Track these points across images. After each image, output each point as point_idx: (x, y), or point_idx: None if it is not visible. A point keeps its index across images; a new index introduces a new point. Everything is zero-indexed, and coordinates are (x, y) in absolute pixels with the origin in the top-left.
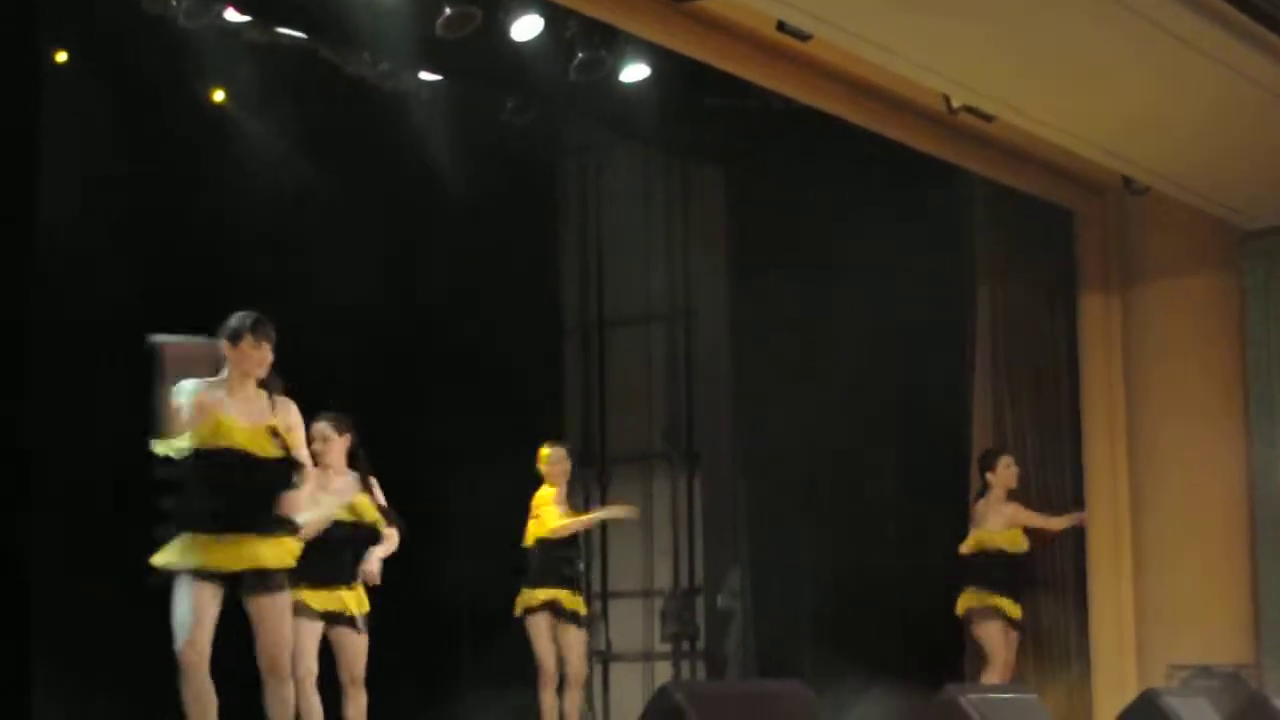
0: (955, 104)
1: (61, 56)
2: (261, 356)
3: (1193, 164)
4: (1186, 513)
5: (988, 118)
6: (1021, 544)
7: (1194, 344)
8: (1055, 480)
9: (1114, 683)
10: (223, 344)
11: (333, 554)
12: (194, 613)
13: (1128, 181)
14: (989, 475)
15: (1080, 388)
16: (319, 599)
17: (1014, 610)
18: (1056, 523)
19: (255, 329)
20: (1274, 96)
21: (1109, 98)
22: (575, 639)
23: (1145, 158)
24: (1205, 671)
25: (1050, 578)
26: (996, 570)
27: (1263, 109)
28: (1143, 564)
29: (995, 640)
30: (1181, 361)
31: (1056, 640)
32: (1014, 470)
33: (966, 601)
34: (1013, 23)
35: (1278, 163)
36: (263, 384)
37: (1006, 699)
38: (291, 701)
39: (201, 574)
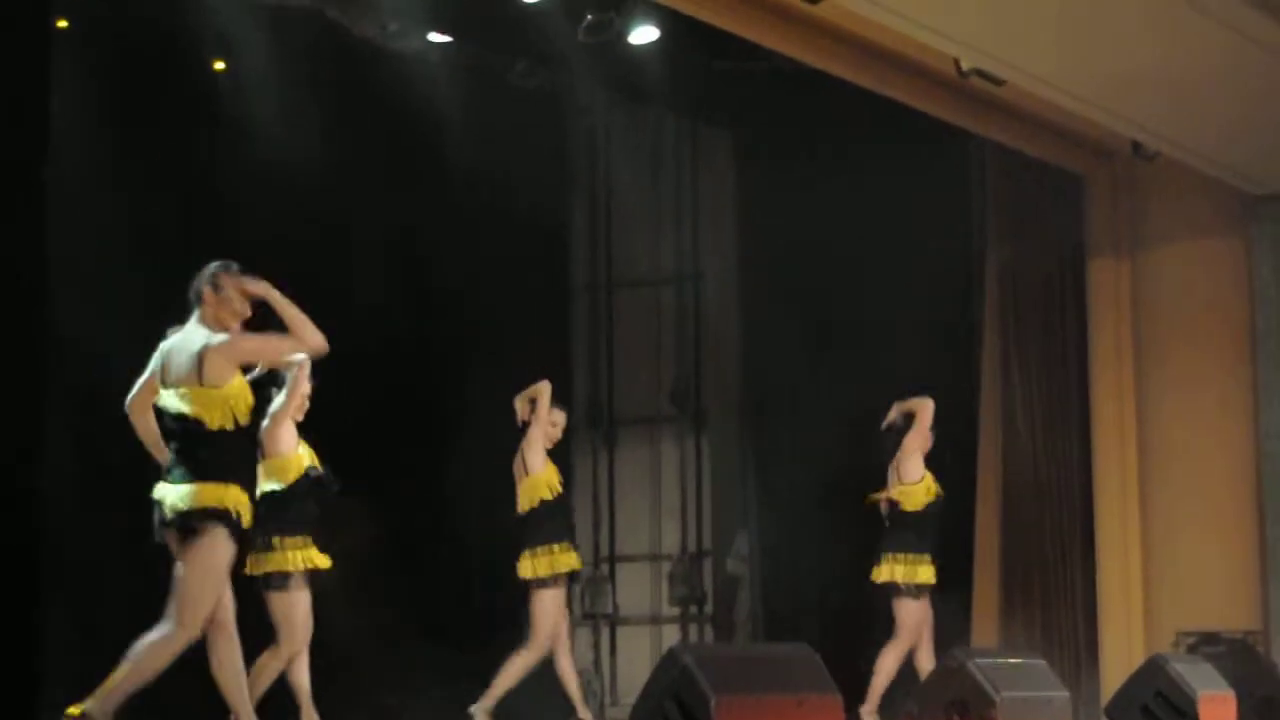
0: (965, 67)
1: (68, 15)
2: (241, 309)
3: (1202, 129)
4: (1195, 479)
5: (998, 81)
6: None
7: (1202, 308)
8: (1063, 444)
9: (1122, 649)
10: (203, 290)
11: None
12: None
13: (1137, 147)
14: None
15: (1089, 352)
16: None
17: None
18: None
19: (239, 276)
20: None
21: (1119, 62)
22: None
23: (1154, 122)
24: (1212, 638)
25: (1057, 543)
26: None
27: (1272, 75)
28: (1151, 530)
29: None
30: (1190, 326)
31: (1064, 607)
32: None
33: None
34: None
35: None
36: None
37: (1014, 664)
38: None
39: None
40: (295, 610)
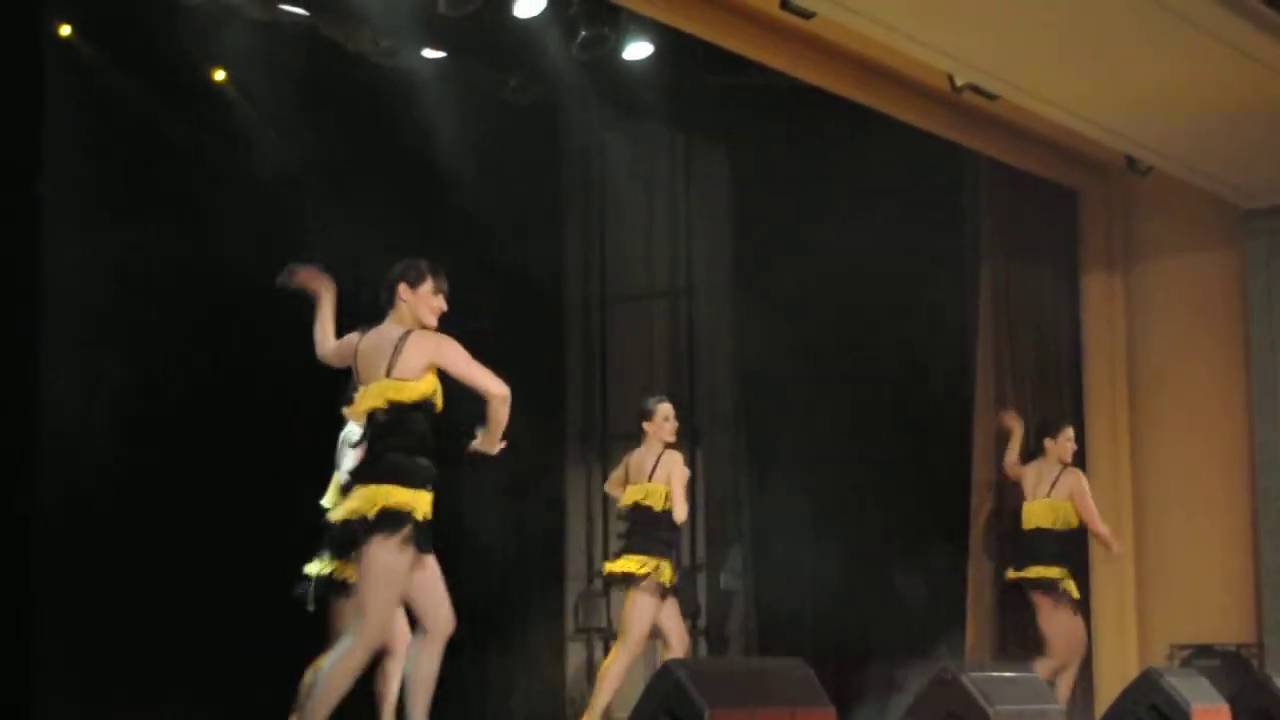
0: (959, 83)
1: (65, 31)
2: (437, 304)
3: (1195, 143)
4: (1189, 492)
5: (991, 96)
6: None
7: (1196, 323)
8: None
9: (1115, 662)
10: (400, 287)
11: None
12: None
13: (1130, 161)
14: (1048, 441)
15: (1083, 366)
16: None
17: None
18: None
19: (434, 274)
20: (1276, 75)
21: (1112, 77)
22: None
23: (1147, 137)
24: (1206, 651)
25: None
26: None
27: (1264, 87)
28: (1144, 543)
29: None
30: (1183, 340)
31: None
32: (1072, 445)
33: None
34: (1017, 1)
35: (1279, 141)
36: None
37: (1009, 677)
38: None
39: None
40: None
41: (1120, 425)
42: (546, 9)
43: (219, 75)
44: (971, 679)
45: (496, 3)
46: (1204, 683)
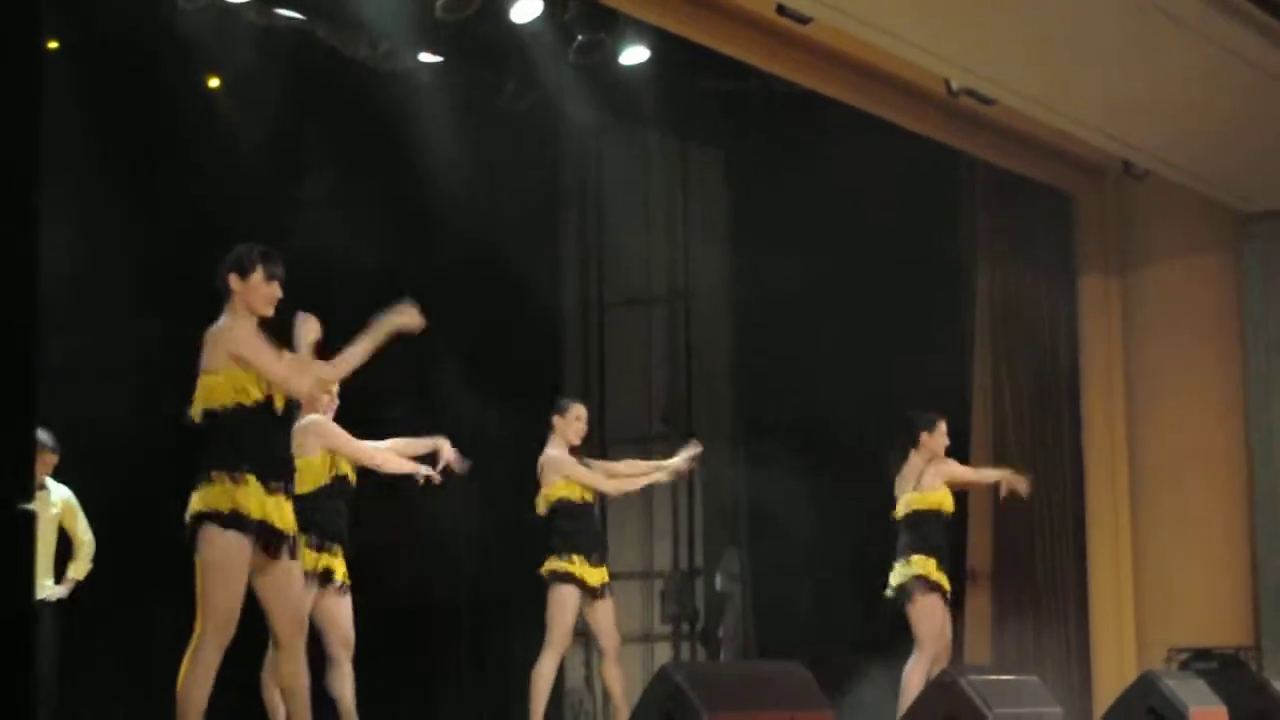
0: (955, 87)
1: (60, 36)
2: (270, 292)
3: (1191, 148)
4: (1186, 496)
5: (987, 101)
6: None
7: (1192, 327)
8: (1054, 462)
9: (1113, 665)
10: (230, 278)
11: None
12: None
13: (1127, 165)
14: (924, 436)
15: (1079, 370)
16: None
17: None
18: (989, 475)
19: (265, 261)
20: (1273, 80)
21: (1108, 81)
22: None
23: (1144, 141)
24: (1204, 654)
25: (1049, 560)
26: (934, 537)
27: (1261, 92)
28: (1142, 547)
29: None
30: (1180, 344)
31: (1056, 623)
32: (944, 439)
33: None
34: (1013, 5)
35: (1275, 146)
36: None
37: (1007, 680)
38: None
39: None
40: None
41: (1117, 429)
42: (543, 14)
43: (215, 79)
44: (970, 682)
45: (493, 7)
46: (1202, 685)
